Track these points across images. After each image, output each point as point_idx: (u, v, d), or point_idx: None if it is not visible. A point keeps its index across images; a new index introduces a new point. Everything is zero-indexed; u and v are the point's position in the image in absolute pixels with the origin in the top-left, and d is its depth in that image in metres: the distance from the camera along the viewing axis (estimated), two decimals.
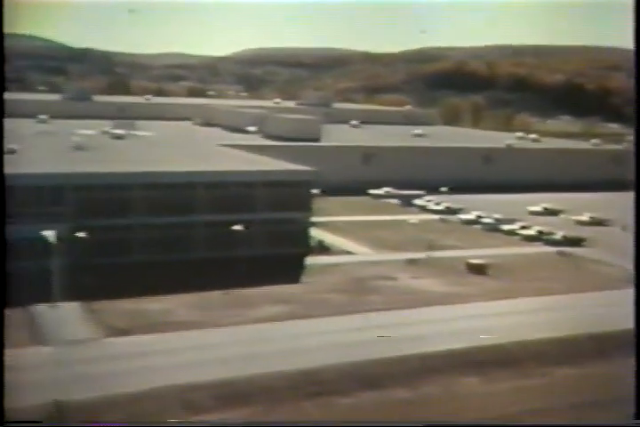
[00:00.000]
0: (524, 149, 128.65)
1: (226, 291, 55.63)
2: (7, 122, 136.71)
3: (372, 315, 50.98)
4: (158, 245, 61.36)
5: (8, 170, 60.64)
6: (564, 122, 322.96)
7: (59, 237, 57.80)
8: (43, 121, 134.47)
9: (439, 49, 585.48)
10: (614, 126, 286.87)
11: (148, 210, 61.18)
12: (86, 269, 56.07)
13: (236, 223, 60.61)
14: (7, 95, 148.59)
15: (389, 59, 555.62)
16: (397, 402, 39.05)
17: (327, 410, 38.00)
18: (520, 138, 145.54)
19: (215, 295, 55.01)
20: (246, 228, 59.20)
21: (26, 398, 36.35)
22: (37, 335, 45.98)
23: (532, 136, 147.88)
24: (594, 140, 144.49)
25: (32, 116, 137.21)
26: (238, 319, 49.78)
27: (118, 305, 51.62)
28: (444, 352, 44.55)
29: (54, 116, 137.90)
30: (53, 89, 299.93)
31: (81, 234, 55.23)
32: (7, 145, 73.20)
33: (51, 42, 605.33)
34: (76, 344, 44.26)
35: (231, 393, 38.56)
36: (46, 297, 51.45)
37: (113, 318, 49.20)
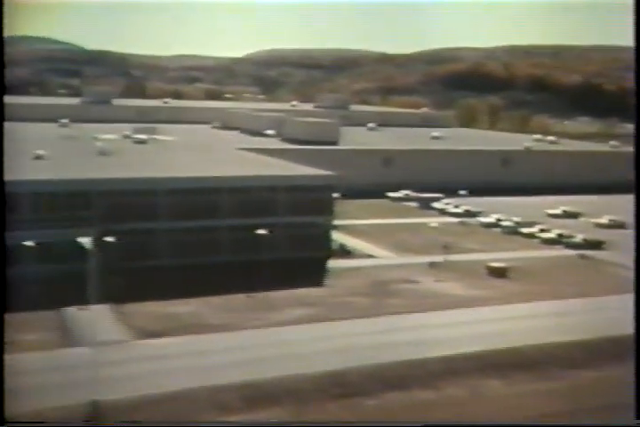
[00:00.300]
0: (542, 151, 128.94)
1: (250, 294, 56.79)
2: (30, 126, 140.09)
3: (395, 318, 51.93)
4: (183, 248, 62.58)
5: (37, 176, 62.40)
6: (582, 123, 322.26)
7: (85, 241, 59.44)
8: (64, 125, 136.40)
9: (452, 50, 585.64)
10: (632, 127, 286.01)
11: (173, 214, 62.44)
12: (114, 272, 57.40)
13: (259, 227, 61.74)
14: (29, 100, 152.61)
15: (404, 59, 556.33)
16: (421, 403, 39.94)
17: (352, 411, 38.95)
18: (538, 140, 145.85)
19: (240, 298, 56.16)
20: (270, 232, 60.27)
21: (64, 397, 37.74)
22: (69, 337, 47.30)
23: (550, 138, 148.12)
24: (612, 142, 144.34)
25: (53, 120, 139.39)
26: (263, 322, 50.90)
27: (147, 308, 52.87)
28: (466, 355, 45.44)
29: (75, 120, 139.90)
30: (72, 92, 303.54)
31: (109, 238, 56.42)
32: (34, 151, 75.26)
33: (66, 44, 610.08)
34: (107, 346, 45.45)
35: (260, 394, 39.62)
36: (76, 300, 52.93)
37: (142, 320, 50.46)
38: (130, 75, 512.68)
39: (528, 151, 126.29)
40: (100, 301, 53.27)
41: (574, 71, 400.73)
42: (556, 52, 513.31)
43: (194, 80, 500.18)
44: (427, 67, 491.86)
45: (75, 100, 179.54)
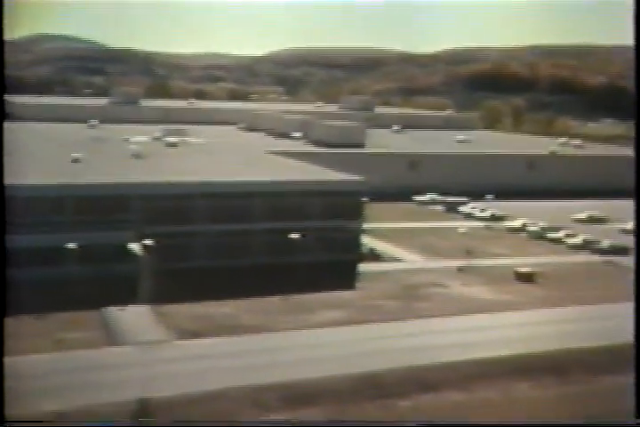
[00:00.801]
0: (568, 155, 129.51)
1: (284, 296, 58.46)
2: (62, 127, 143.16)
3: (425, 321, 53.40)
4: (219, 251, 64.34)
5: (77, 179, 64.44)
6: (606, 124, 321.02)
7: (124, 244, 61.50)
8: (93, 126, 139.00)
9: (473, 49, 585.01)
10: None
11: (209, 218, 64.25)
12: (153, 273, 59.30)
13: (291, 231, 63.60)
14: (58, 100, 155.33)
15: (425, 59, 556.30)
16: (453, 405, 41.41)
17: (387, 411, 40.48)
18: (563, 144, 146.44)
19: (274, 301, 57.82)
20: (303, 236, 61.94)
21: (112, 395, 39.61)
22: (113, 337, 49.21)
23: (576, 142, 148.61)
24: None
25: (83, 120, 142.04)
26: (298, 324, 52.56)
27: (185, 309, 54.69)
28: (496, 358, 46.85)
29: (104, 121, 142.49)
30: (97, 91, 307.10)
31: (148, 241, 58.34)
32: (71, 154, 77.37)
33: (88, 42, 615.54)
34: (150, 346, 47.32)
35: (298, 395, 41.26)
36: (116, 300, 54.92)
37: (181, 321, 52.28)
38: (152, 73, 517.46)
39: (553, 155, 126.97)
40: (139, 301, 55.35)
41: (597, 72, 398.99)
42: (579, 52, 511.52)
43: (216, 79, 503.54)
44: (448, 67, 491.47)
45: (102, 101, 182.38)
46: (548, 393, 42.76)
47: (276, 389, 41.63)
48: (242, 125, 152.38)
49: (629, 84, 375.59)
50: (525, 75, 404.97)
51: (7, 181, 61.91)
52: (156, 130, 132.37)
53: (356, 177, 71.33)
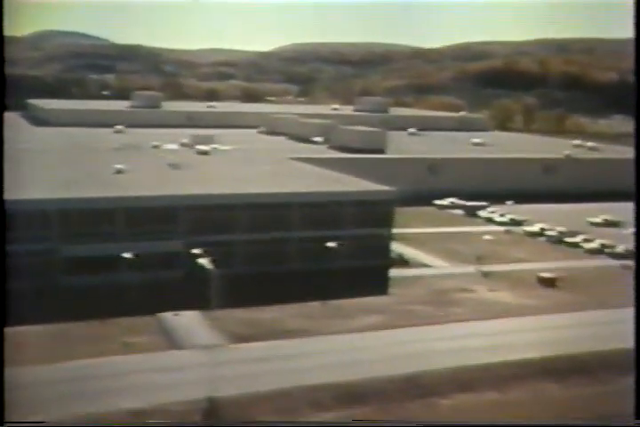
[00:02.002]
0: (582, 159, 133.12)
1: (323, 302, 62.62)
2: (89, 133, 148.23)
3: (458, 325, 57.56)
4: (259, 259, 68.53)
5: (125, 192, 68.70)
6: (617, 121, 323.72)
7: (174, 252, 65.78)
8: (120, 131, 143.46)
9: (481, 44, 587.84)
10: None
11: (250, 227, 68.49)
12: (199, 280, 63.57)
13: (326, 239, 67.75)
14: (82, 105, 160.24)
15: (433, 55, 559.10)
16: (490, 404, 45.53)
17: (430, 410, 44.63)
18: (577, 146, 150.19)
19: (314, 306, 61.96)
20: (340, 244, 66.11)
21: (183, 395, 43.87)
22: (172, 341, 53.50)
23: (590, 144, 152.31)
24: None
25: (107, 125, 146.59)
26: (340, 328, 56.73)
27: (233, 314, 58.78)
28: (525, 360, 50.93)
29: (128, 125, 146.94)
30: (112, 91, 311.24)
31: (195, 250, 62.57)
32: (114, 166, 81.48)
33: (96, 38, 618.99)
34: (207, 349, 51.50)
35: (348, 394, 45.46)
36: (168, 306, 59.20)
37: (232, 325, 56.44)
38: (161, 71, 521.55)
39: (568, 159, 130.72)
40: (191, 307, 59.61)
41: (607, 68, 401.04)
42: (589, 47, 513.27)
43: (226, 77, 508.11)
44: (458, 63, 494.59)
45: (123, 104, 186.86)
46: (576, 393, 46.83)
47: (329, 389, 45.81)
48: (262, 129, 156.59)
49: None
50: (534, 71, 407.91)
51: (60, 193, 66.56)
52: (180, 134, 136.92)
53: (386, 187, 75.27)
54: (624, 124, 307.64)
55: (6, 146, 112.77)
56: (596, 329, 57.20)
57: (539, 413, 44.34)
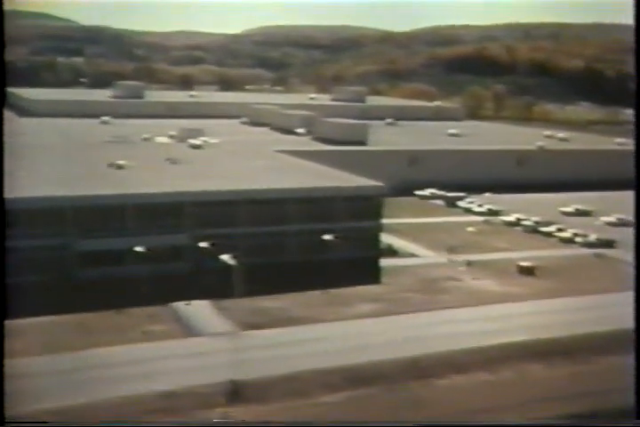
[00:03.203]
0: (554, 150, 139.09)
1: (322, 291, 67.33)
2: (77, 124, 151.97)
3: (450, 312, 62.74)
4: (260, 251, 72.83)
5: (131, 188, 72.46)
6: (584, 108, 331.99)
7: (181, 246, 69.96)
8: (106, 123, 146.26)
9: (450, 28, 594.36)
10: (632, 112, 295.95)
11: (251, 221, 72.78)
12: (205, 272, 67.91)
13: (321, 231, 72.35)
14: (65, 95, 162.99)
15: (403, 39, 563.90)
16: (483, 383, 50.63)
17: (430, 389, 49.61)
18: (549, 137, 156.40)
19: (315, 295, 66.68)
20: (336, 237, 70.77)
21: (207, 378, 48.33)
22: (188, 329, 57.88)
23: (560, 135, 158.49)
24: (618, 140, 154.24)
25: (91, 115, 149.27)
26: (341, 315, 61.56)
27: (241, 303, 63.18)
28: (512, 343, 56.16)
29: (110, 115, 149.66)
30: (80, 74, 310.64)
31: (202, 243, 66.84)
32: (114, 161, 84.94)
33: (62, 20, 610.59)
34: (222, 336, 55.97)
35: (356, 376, 50.24)
36: (181, 296, 63.49)
37: (241, 314, 60.87)
38: (131, 54, 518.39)
39: (541, 150, 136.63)
40: (200, 297, 63.96)
41: (574, 54, 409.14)
42: (555, 32, 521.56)
43: (197, 61, 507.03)
44: (427, 48, 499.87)
45: (106, 93, 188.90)
46: (559, 372, 52.18)
47: (338, 372, 50.51)
48: (245, 120, 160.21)
49: (604, 66, 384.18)
50: (503, 57, 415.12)
51: (68, 190, 70.11)
52: (165, 125, 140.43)
53: (376, 182, 79.93)
54: (590, 111, 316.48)
55: None
56: (574, 314, 62.63)
57: (526, 391, 49.52)
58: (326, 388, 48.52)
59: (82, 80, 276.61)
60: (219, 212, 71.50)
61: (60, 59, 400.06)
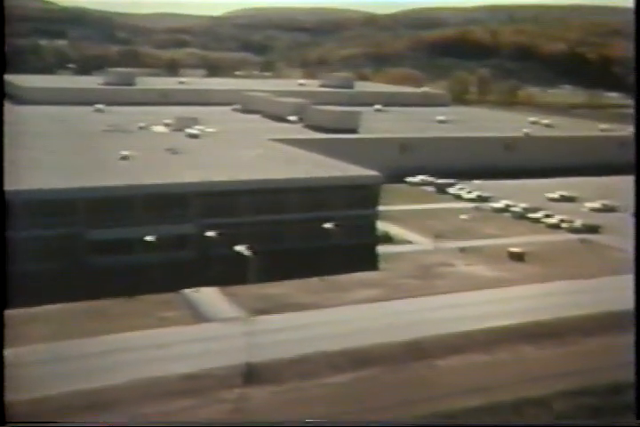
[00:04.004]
0: (540, 137, 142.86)
1: (321, 277, 70.61)
2: (69, 111, 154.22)
3: (445, 296, 66.31)
4: (262, 239, 75.86)
5: (137, 179, 75.15)
6: (566, 91, 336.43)
7: (188, 235, 72.95)
8: (100, 110, 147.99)
9: (432, 9, 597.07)
10: (614, 95, 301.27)
11: (253, 210, 75.87)
12: (211, 259, 70.99)
13: (319, 220, 75.56)
14: (57, 82, 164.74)
15: (387, 21, 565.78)
16: (479, 364, 54.24)
17: (429, 370, 53.16)
18: (534, 123, 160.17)
19: (315, 281, 69.96)
20: (337, 226, 73.97)
21: (223, 361, 51.57)
22: (199, 314, 61.02)
23: (545, 121, 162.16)
24: (602, 126, 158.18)
25: (83, 103, 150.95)
26: (342, 301, 64.92)
27: (246, 290, 66.28)
28: (506, 326, 59.80)
29: (101, 102, 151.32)
30: (64, 58, 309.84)
31: (208, 232, 69.91)
32: (116, 151, 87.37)
33: (44, 1, 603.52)
34: (232, 321, 59.19)
35: (361, 358, 53.69)
36: (189, 283, 66.56)
37: (247, 300, 63.98)
38: (114, 37, 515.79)
39: (527, 137, 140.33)
40: (207, 284, 67.06)
41: (556, 38, 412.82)
42: (537, 14, 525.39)
43: (181, 44, 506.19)
44: (411, 31, 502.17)
45: (97, 80, 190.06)
46: (549, 353, 55.91)
47: (343, 354, 53.90)
48: (236, 107, 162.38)
49: (586, 50, 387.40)
50: (487, 41, 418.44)
51: (76, 182, 72.66)
52: (158, 112, 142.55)
53: (373, 172, 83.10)
54: (573, 94, 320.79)
55: None
56: (563, 298, 66.37)
57: (519, 370, 53.22)
58: (334, 369, 51.94)
59: (70, 66, 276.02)
60: (222, 201, 74.51)
61: (43, 41, 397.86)
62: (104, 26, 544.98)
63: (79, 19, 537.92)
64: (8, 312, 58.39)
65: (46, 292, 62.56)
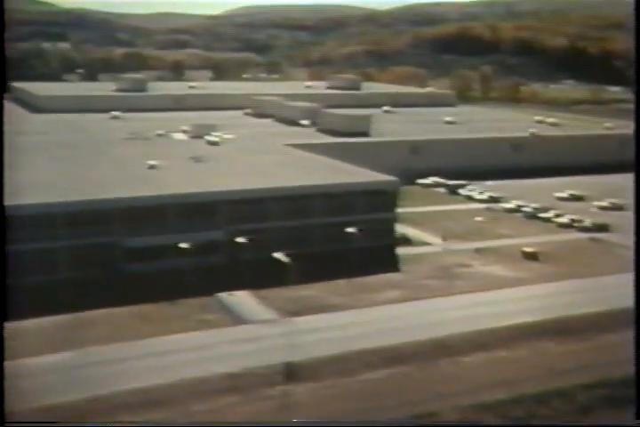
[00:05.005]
0: (546, 136, 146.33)
1: (347, 279, 74.29)
2: (87, 119, 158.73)
3: (467, 296, 70.01)
4: (288, 243, 79.54)
5: (168, 189, 78.80)
6: (568, 86, 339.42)
7: (218, 241, 76.68)
8: (116, 117, 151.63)
9: (430, 5, 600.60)
10: (616, 89, 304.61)
11: (279, 216, 79.58)
12: (240, 264, 74.69)
13: (343, 224, 79.30)
14: (72, 90, 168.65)
15: (386, 18, 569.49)
16: (501, 360, 57.94)
17: (456, 366, 56.83)
18: (539, 122, 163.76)
19: (341, 283, 73.65)
20: (360, 230, 77.65)
21: (263, 361, 55.27)
22: (236, 317, 64.75)
23: (550, 120, 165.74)
24: (607, 124, 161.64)
25: (100, 110, 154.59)
26: (370, 301, 68.62)
27: (277, 292, 70.06)
28: (526, 324, 63.45)
29: (114, 109, 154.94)
30: (68, 62, 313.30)
31: (239, 239, 73.64)
32: (147, 161, 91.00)
33: (44, 4, 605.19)
34: (267, 323, 62.93)
35: (392, 356, 57.38)
36: (222, 287, 70.24)
37: (279, 302, 67.75)
38: (115, 38, 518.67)
39: (533, 137, 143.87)
40: (238, 287, 70.73)
41: (556, 33, 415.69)
42: (537, 8, 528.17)
43: (183, 44, 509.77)
44: (411, 27, 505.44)
45: (109, 86, 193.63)
46: (568, 348, 59.53)
47: (376, 353, 57.61)
48: (248, 111, 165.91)
49: (586, 44, 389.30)
50: (489, 37, 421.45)
51: (112, 192, 76.32)
52: (172, 118, 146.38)
53: (391, 177, 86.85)
54: (575, 90, 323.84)
55: (22, 137, 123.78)
56: (578, 295, 70.07)
57: (540, 365, 56.90)
58: (368, 367, 55.66)
59: (77, 71, 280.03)
60: (250, 208, 78.25)
61: (46, 44, 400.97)
62: (105, 27, 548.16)
63: (79, 21, 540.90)
64: (58, 317, 62.59)
65: (89, 297, 66.48)
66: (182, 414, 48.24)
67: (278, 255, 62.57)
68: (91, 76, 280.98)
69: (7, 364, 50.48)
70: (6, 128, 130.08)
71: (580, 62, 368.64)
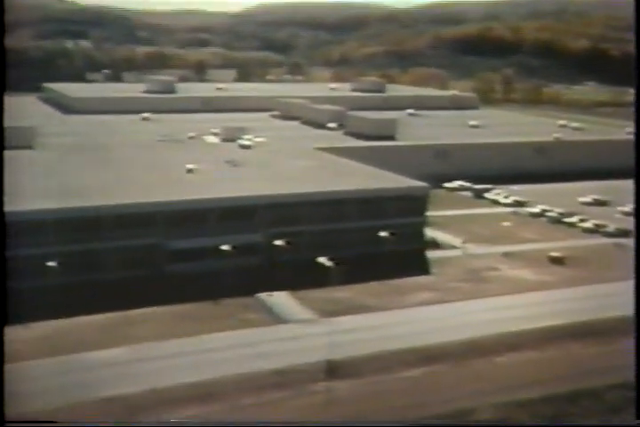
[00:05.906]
0: (570, 141, 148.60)
1: (380, 282, 77.30)
2: (119, 120, 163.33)
3: (496, 299, 72.87)
4: (323, 246, 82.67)
5: (219, 194, 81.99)
6: (590, 88, 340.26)
7: (257, 243, 79.97)
8: (147, 119, 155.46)
9: (450, 4, 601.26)
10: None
11: (315, 219, 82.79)
12: (278, 266, 77.97)
13: (376, 227, 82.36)
14: (102, 91, 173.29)
15: (407, 17, 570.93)
16: (532, 360, 60.83)
17: (489, 365, 59.73)
18: (563, 126, 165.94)
19: (374, 285, 76.69)
20: (392, 234, 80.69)
21: (306, 358, 58.41)
22: (276, 316, 67.98)
23: (574, 125, 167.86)
24: (628, 129, 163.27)
25: (131, 111, 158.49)
26: (404, 303, 71.66)
27: (314, 294, 73.16)
28: (554, 326, 66.27)
29: (145, 111, 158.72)
30: (90, 60, 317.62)
31: (277, 241, 76.91)
32: (185, 165, 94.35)
33: (64, 2, 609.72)
34: (306, 323, 66.10)
35: (427, 356, 60.41)
36: (262, 288, 73.48)
37: (316, 303, 70.87)
38: (136, 36, 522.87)
39: (557, 141, 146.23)
40: (277, 288, 73.91)
41: (578, 34, 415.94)
42: (560, 8, 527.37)
43: (204, 43, 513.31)
44: (432, 27, 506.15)
45: (139, 87, 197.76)
46: (593, 351, 62.31)
47: (412, 352, 60.66)
48: (275, 113, 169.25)
49: (609, 46, 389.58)
50: (509, 37, 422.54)
51: (154, 196, 79.72)
52: (202, 120, 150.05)
53: (422, 183, 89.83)
54: (597, 91, 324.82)
55: (61, 139, 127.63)
56: (603, 300, 72.73)
57: (567, 366, 59.72)
58: (405, 365, 58.75)
59: (104, 71, 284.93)
60: (287, 212, 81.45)
61: (68, 43, 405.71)
62: (125, 25, 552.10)
63: (100, 18, 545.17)
64: (110, 315, 66.11)
65: (135, 296, 69.94)
66: (233, 408, 51.49)
67: (322, 260, 65.42)
68: (115, 76, 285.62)
69: (72, 356, 54.40)
70: (44, 130, 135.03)
71: (602, 63, 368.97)
